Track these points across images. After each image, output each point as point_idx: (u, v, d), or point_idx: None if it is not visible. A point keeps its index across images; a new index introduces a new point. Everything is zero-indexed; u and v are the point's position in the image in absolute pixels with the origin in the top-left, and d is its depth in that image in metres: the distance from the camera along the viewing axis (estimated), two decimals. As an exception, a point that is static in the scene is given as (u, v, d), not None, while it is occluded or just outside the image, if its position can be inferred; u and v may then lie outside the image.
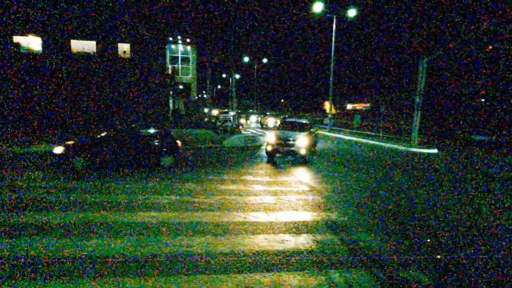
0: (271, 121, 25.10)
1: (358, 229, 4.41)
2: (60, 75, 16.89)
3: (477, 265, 3.47)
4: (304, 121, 12.29)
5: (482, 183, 7.92)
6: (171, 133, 8.94)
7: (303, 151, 9.52)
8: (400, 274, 3.18)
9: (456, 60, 27.73)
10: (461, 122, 22.93)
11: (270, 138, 10.15)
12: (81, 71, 17.36)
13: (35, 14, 16.39)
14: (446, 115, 27.18)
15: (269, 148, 9.96)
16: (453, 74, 28.72)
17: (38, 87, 16.63)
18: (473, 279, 3.17)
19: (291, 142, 9.67)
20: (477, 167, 10.31)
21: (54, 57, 16.84)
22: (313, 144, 11.07)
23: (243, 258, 3.35)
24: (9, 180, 6.41)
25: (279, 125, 12.08)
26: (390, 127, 20.13)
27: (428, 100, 29.83)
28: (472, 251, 3.86)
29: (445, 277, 3.18)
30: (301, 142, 9.61)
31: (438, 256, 3.65)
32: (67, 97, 17.31)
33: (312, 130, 10.88)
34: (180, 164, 8.81)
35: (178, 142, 8.65)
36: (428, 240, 4.14)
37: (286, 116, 25.23)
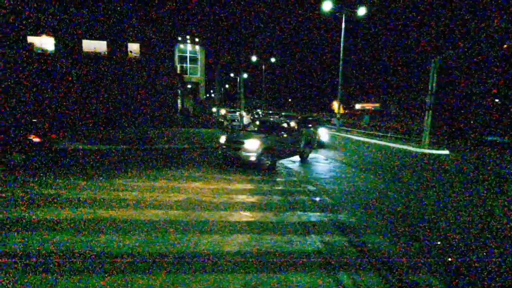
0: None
1: (366, 230, 4.36)
2: (70, 78, 17.25)
3: (489, 269, 3.39)
4: (281, 120, 10.82)
5: (494, 184, 7.74)
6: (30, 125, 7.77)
7: (252, 158, 7.90)
8: (410, 277, 3.12)
9: (466, 59, 27.19)
10: (472, 122, 22.45)
11: (221, 139, 8.95)
12: (92, 71, 17.71)
13: (48, 15, 16.84)
14: (457, 115, 26.65)
15: (219, 150, 8.84)
16: (464, 73, 28.16)
17: (49, 89, 17.02)
18: (485, 283, 3.10)
19: (237, 145, 8.18)
20: (489, 168, 10.08)
21: (64, 60, 17.21)
22: (279, 150, 8.82)
23: (250, 259, 3.35)
24: (22, 181, 6.55)
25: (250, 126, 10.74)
26: (400, 127, 19.86)
27: (437, 99, 29.32)
28: (484, 253, 3.77)
29: (457, 280, 3.12)
30: (250, 145, 7.95)
31: (449, 259, 3.58)
32: (77, 99, 17.66)
33: (282, 133, 9.19)
34: (189, 163, 8.85)
35: (33, 137, 7.36)
36: (439, 243, 4.06)
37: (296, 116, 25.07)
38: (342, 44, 21.61)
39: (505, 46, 24.19)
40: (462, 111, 27.04)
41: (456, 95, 28.65)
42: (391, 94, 39.99)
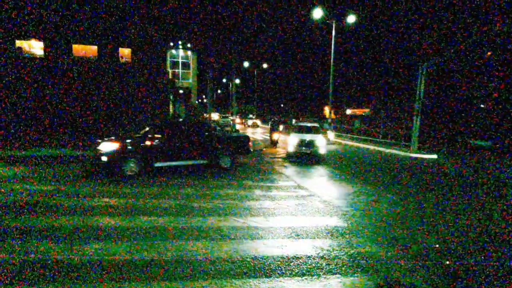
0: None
1: (357, 234, 4.31)
2: (71, 75, 17.20)
3: (487, 272, 3.33)
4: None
5: (479, 186, 7.68)
6: None
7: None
8: (401, 280, 3.08)
9: (467, 62, 27.14)
10: (461, 128, 22.47)
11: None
12: (83, 74, 17.55)
13: (37, 18, 16.65)
14: (457, 118, 26.59)
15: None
16: (464, 76, 28.11)
17: (49, 87, 16.97)
18: (483, 287, 3.04)
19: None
20: (474, 171, 10.04)
21: (63, 57, 17.15)
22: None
23: (242, 263, 3.30)
24: (20, 182, 6.53)
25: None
26: (390, 133, 19.99)
27: (438, 102, 29.25)
28: (482, 257, 3.71)
29: (454, 284, 3.06)
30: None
31: (447, 262, 3.52)
32: (77, 96, 17.61)
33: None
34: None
35: None
36: (437, 246, 4.01)
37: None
38: (332, 52, 21.57)
39: (488, 53, 24.21)
40: (463, 114, 26.96)
41: (457, 99, 28.56)
42: (383, 98, 39.92)
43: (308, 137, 11.17)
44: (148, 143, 7.62)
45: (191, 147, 8.29)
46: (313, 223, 4.66)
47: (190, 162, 8.39)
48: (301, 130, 12.25)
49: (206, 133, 8.68)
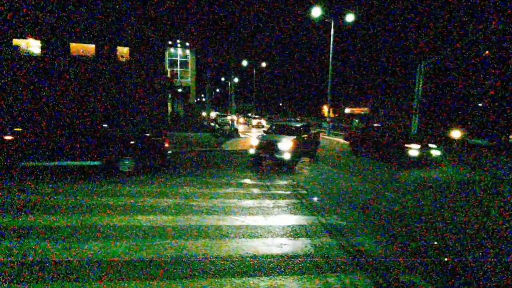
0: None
1: (356, 232, 4.32)
2: (67, 76, 17.08)
3: (485, 269, 3.36)
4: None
5: (472, 186, 7.73)
6: None
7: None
8: (400, 278, 3.09)
9: (464, 60, 27.29)
10: (458, 126, 22.66)
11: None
12: (81, 74, 17.42)
13: (34, 17, 16.48)
14: (453, 117, 26.73)
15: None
16: (461, 74, 28.26)
17: (46, 88, 16.83)
18: (481, 283, 3.06)
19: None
20: (473, 167, 10.11)
21: (59, 59, 17.02)
22: None
23: (241, 262, 3.30)
24: (18, 181, 6.48)
25: None
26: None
27: (435, 100, 29.39)
28: (480, 254, 3.74)
29: (453, 281, 3.08)
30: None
31: (446, 259, 3.54)
32: (74, 97, 17.49)
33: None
34: (181, 168, 8.78)
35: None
36: (435, 243, 4.03)
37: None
38: (331, 51, 21.60)
39: (486, 53, 24.39)
40: (460, 112, 27.11)
41: (454, 97, 28.70)
42: (383, 97, 40.07)
43: (271, 138, 9.24)
44: (10, 138, 6.41)
45: (76, 145, 7.01)
46: (312, 222, 4.67)
47: (75, 163, 7.07)
48: (275, 130, 10.59)
49: (103, 131, 7.48)
